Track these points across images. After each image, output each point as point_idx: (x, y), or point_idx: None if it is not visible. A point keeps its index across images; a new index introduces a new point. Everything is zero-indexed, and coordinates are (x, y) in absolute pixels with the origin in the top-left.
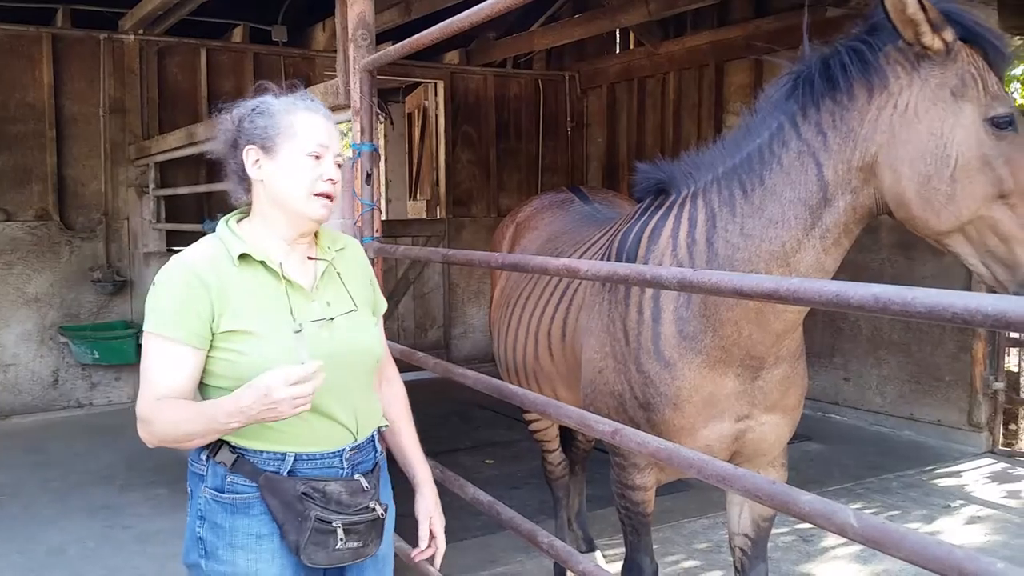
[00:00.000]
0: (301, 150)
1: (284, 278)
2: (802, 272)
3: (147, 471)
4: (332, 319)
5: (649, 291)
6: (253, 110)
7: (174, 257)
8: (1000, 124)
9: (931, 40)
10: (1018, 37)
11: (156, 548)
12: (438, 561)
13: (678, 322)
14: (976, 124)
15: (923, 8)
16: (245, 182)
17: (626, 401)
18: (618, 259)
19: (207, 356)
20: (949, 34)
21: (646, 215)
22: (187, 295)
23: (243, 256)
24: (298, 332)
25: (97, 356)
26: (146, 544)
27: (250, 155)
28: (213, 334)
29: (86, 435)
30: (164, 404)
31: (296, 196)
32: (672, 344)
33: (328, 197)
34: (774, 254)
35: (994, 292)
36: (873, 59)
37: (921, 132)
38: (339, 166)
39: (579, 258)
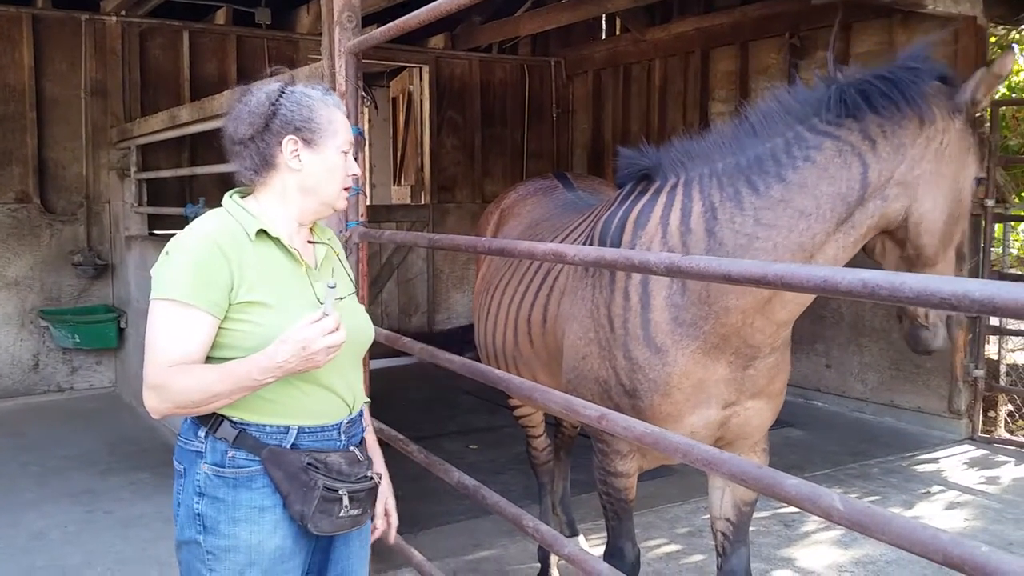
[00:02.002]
0: (339, 148)
1: (303, 260)
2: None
3: (129, 455)
4: (343, 298)
5: (636, 277)
6: (284, 95)
7: (189, 228)
8: (978, 184)
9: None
10: (1003, 27)
11: (138, 532)
12: (392, 536)
13: (672, 309)
14: (973, 178)
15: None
16: (266, 166)
17: (611, 388)
18: (600, 245)
19: (220, 327)
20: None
21: (629, 201)
22: (208, 264)
23: (259, 232)
24: (332, 287)
25: (78, 340)
26: (128, 528)
27: (287, 144)
28: (230, 304)
29: (67, 419)
30: (182, 368)
31: (331, 190)
32: (665, 331)
33: (347, 189)
34: (802, 245)
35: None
36: (924, 91)
37: (951, 173)
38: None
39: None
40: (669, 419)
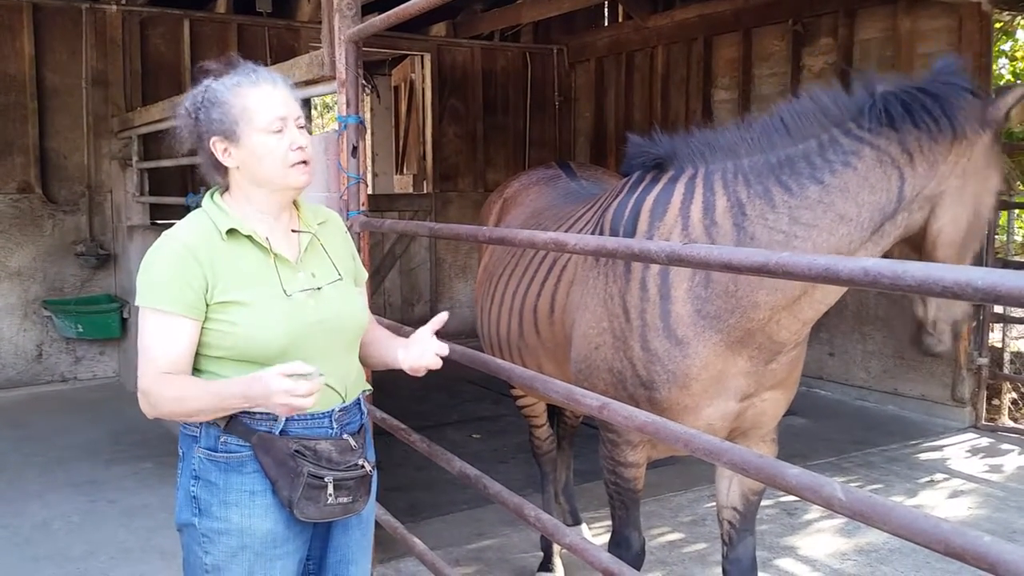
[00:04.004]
0: (263, 130)
1: (272, 252)
2: None
3: (132, 445)
4: (320, 288)
5: (654, 267)
6: (202, 101)
7: (164, 233)
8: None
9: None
10: (1007, 12)
11: (141, 522)
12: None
13: (695, 301)
14: (994, 192)
15: None
16: (220, 168)
17: (626, 379)
18: (612, 234)
19: (202, 327)
20: None
21: (640, 189)
22: (180, 268)
23: (231, 231)
24: (321, 376)
25: (81, 330)
26: (131, 518)
27: (217, 147)
28: (207, 305)
29: (71, 409)
30: (167, 379)
31: (274, 174)
32: (687, 322)
33: (304, 163)
34: (839, 250)
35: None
36: (962, 109)
37: (976, 186)
38: (301, 128)
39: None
40: (687, 411)
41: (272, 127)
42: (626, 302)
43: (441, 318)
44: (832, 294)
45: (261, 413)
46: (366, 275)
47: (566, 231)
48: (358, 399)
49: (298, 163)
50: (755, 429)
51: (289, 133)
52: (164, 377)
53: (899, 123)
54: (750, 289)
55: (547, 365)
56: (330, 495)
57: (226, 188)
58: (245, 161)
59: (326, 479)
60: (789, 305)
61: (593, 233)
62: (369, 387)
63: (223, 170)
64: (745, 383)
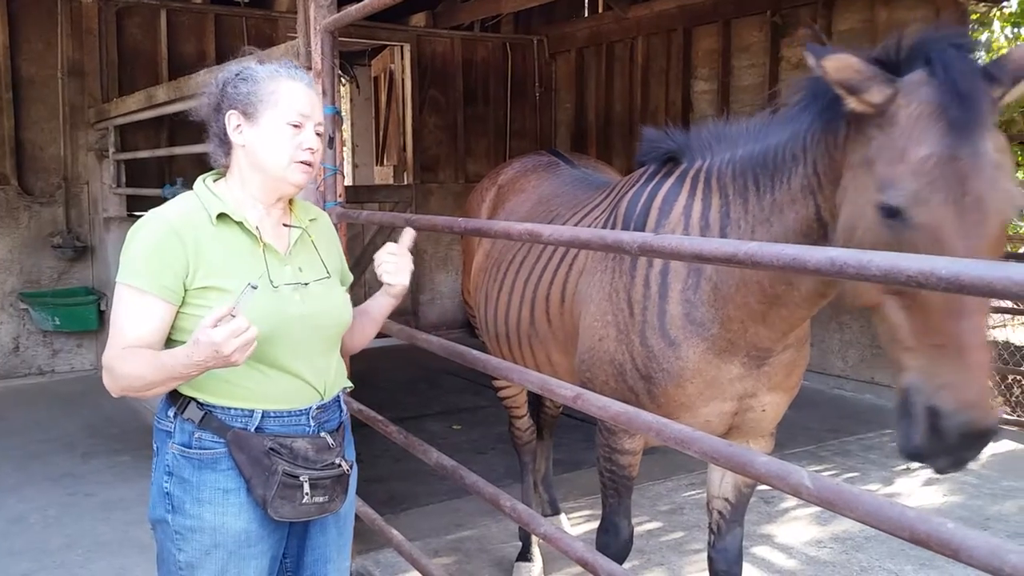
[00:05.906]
0: (282, 119)
1: (261, 240)
2: (804, 293)
3: (110, 438)
4: (307, 284)
5: (657, 264)
6: (237, 75)
7: (152, 211)
8: (888, 213)
9: (855, 104)
10: (983, 4)
11: (119, 515)
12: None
13: (685, 304)
14: (872, 205)
15: (823, 69)
16: (226, 145)
17: (627, 372)
18: (624, 227)
19: (179, 312)
20: (877, 94)
21: (653, 182)
22: (163, 249)
23: (221, 215)
24: (254, 288)
25: (58, 323)
26: (109, 511)
27: (232, 120)
28: (186, 290)
29: (48, 402)
30: (126, 353)
31: (276, 163)
32: (678, 325)
33: (308, 164)
34: (778, 277)
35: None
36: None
37: (852, 196)
38: (319, 135)
39: (579, 222)
40: (683, 408)
41: (292, 119)
42: (631, 297)
43: (410, 234)
44: (800, 308)
45: (236, 409)
46: (351, 278)
47: (582, 218)
48: (338, 397)
49: (302, 162)
50: (756, 432)
51: (305, 133)
52: (125, 351)
53: (819, 121)
54: (723, 303)
55: (556, 355)
56: (306, 494)
57: (221, 174)
58: (252, 143)
59: (301, 478)
60: (759, 319)
61: (607, 223)
62: (350, 384)
63: (227, 149)
64: (741, 386)
